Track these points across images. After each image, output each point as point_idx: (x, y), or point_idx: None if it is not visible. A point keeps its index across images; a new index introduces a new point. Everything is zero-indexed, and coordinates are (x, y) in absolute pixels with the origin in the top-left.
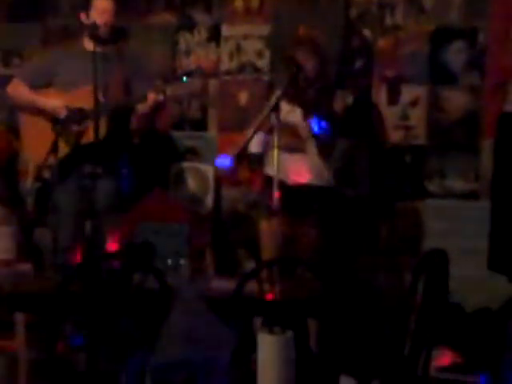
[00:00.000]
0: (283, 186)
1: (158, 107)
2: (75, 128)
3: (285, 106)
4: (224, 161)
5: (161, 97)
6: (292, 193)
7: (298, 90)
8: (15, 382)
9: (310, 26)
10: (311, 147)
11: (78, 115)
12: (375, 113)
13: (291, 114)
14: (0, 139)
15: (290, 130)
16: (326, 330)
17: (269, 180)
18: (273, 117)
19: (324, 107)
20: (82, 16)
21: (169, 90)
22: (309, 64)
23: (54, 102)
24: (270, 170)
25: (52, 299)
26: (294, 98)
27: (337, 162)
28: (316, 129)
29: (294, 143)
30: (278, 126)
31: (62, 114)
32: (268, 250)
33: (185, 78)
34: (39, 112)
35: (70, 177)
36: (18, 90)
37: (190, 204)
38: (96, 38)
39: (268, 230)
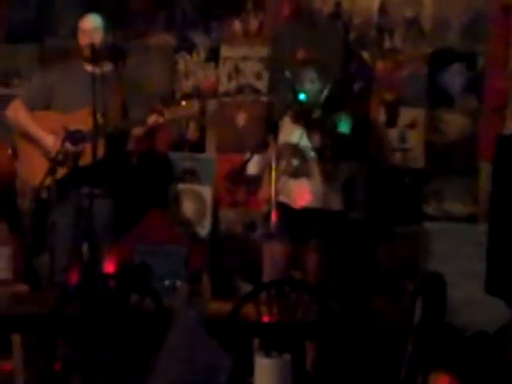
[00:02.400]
0: (288, 209)
1: (154, 130)
2: (73, 149)
3: (288, 126)
4: None
5: (160, 120)
6: (296, 216)
7: (302, 111)
8: None
9: (309, 49)
10: (316, 171)
11: (76, 137)
12: (373, 135)
13: (292, 134)
14: (3, 159)
15: (293, 151)
16: (324, 352)
17: (279, 205)
18: (271, 138)
19: (329, 127)
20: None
21: (167, 113)
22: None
23: (48, 139)
24: (281, 196)
25: (49, 320)
26: (298, 118)
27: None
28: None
29: (298, 167)
30: (277, 149)
31: (53, 153)
32: (269, 273)
33: (184, 102)
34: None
35: (67, 198)
36: (18, 114)
37: (187, 226)
38: (90, 60)
39: (270, 254)
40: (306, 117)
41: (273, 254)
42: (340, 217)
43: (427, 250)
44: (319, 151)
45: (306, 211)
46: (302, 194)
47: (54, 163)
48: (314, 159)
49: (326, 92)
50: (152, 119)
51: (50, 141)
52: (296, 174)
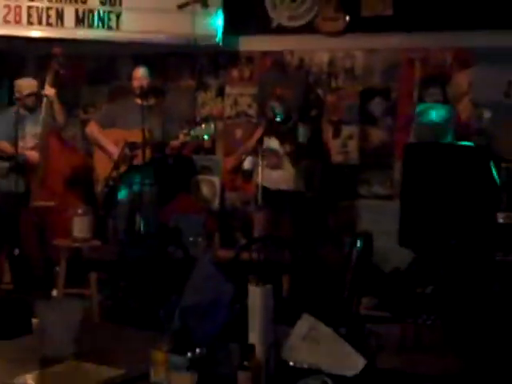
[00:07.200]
0: (268, 191)
1: (183, 142)
2: (130, 154)
3: (266, 138)
4: None
5: (187, 138)
6: (273, 195)
7: (274, 128)
8: (90, 317)
9: (282, 88)
10: (287, 165)
11: (132, 146)
12: (325, 143)
13: (271, 142)
14: (79, 160)
15: (272, 153)
16: (295, 283)
17: (263, 189)
18: (258, 145)
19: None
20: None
21: (193, 132)
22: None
23: (112, 148)
24: (265, 182)
25: (114, 263)
26: (271, 132)
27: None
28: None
29: (275, 163)
30: (262, 152)
31: (114, 157)
32: (258, 231)
33: (203, 125)
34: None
35: (126, 185)
36: (92, 130)
37: (204, 203)
38: (140, 97)
39: (257, 219)
40: (279, 130)
41: (259, 220)
42: (303, 195)
43: (360, 217)
44: (289, 153)
45: (280, 192)
46: (278, 181)
47: (116, 164)
48: (285, 158)
49: (293, 117)
50: (181, 136)
51: (114, 149)
52: (274, 167)
